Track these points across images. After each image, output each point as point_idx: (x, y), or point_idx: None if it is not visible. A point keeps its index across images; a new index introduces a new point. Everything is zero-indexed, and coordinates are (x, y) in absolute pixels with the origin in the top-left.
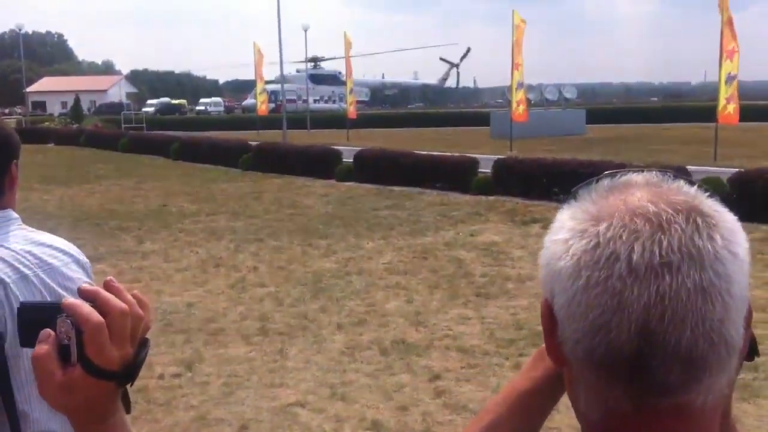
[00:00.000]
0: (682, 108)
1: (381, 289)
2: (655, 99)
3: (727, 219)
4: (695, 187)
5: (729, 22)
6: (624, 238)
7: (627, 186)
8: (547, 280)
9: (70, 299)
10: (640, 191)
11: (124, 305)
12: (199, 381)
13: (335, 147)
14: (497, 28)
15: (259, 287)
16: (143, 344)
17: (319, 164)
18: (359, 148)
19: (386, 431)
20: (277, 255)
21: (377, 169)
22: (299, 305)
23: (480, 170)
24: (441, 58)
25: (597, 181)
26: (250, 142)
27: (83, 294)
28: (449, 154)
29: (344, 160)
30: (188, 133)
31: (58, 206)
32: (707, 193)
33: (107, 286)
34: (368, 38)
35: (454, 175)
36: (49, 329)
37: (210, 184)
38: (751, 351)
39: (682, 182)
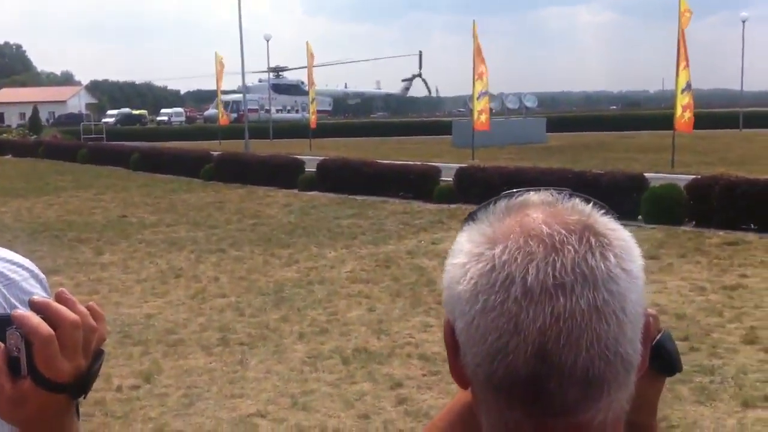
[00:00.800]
0: (641, 116)
1: (343, 297)
2: (615, 107)
3: (621, 236)
4: (590, 204)
5: (683, 35)
6: (519, 260)
7: (523, 207)
8: (448, 302)
9: (20, 310)
10: (535, 212)
11: (75, 317)
12: (158, 393)
13: (298, 156)
14: (459, 37)
15: (219, 297)
16: (98, 356)
17: (282, 174)
18: (322, 158)
19: None
20: (238, 265)
21: (340, 178)
22: (260, 315)
23: (442, 179)
24: (403, 80)
25: (495, 202)
26: (212, 152)
27: (34, 306)
28: (412, 163)
29: (307, 169)
30: (149, 144)
31: (15, 218)
32: (602, 211)
33: (59, 298)
34: (331, 48)
35: (416, 184)
36: (1, 343)
37: (171, 195)
38: (673, 365)
39: (577, 200)
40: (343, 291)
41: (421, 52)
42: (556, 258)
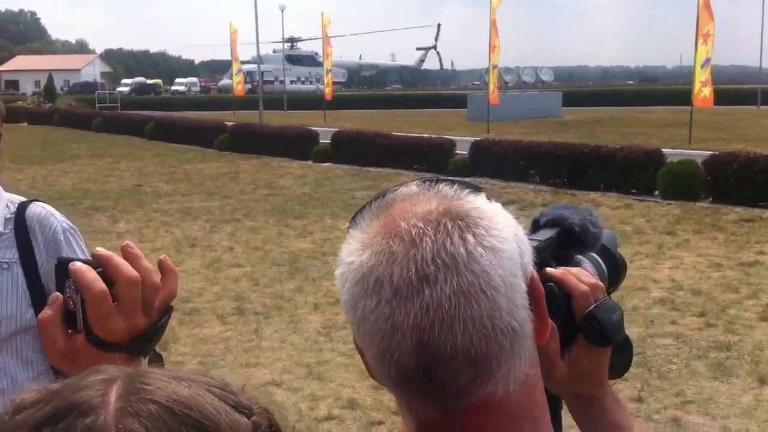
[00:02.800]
0: (658, 91)
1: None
2: (631, 82)
3: (483, 214)
4: (455, 187)
5: (706, 5)
6: (384, 262)
7: (387, 206)
8: (345, 312)
9: (78, 263)
10: (396, 209)
11: (134, 274)
12: (174, 360)
13: (312, 128)
14: (475, 9)
15: (234, 267)
16: (163, 314)
17: (296, 145)
18: (336, 130)
19: (362, 409)
20: (253, 235)
21: (354, 150)
22: (275, 285)
23: (457, 152)
24: (417, 48)
25: (370, 204)
26: (226, 123)
27: (96, 258)
28: (426, 135)
29: (321, 141)
30: (163, 113)
31: (31, 185)
32: (467, 190)
33: (124, 251)
34: (346, 19)
35: (431, 157)
36: (58, 293)
37: (185, 165)
38: (605, 336)
39: (441, 186)
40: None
41: (439, 24)
42: (416, 252)
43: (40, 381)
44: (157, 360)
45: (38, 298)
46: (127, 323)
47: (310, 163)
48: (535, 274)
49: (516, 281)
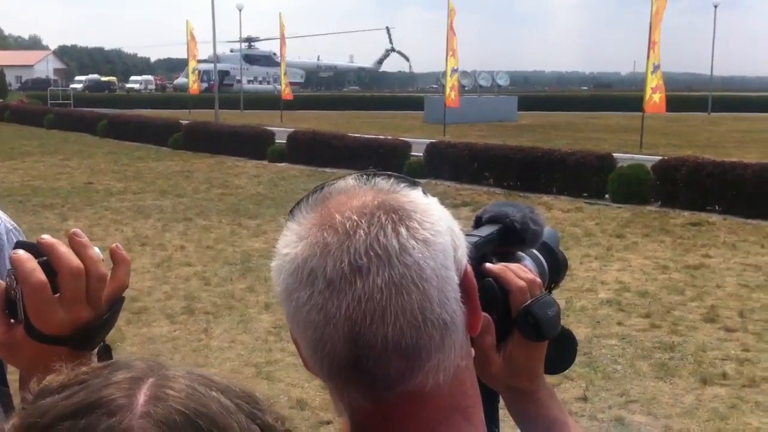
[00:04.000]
0: (612, 97)
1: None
2: (586, 88)
3: (418, 207)
4: (391, 180)
5: (657, 12)
6: (318, 254)
7: (325, 199)
8: (280, 304)
9: (19, 252)
10: (332, 202)
11: (77, 264)
12: None
13: (268, 128)
14: (433, 13)
15: (185, 266)
16: (112, 306)
17: (252, 145)
18: (292, 130)
19: (311, 409)
20: (205, 234)
21: (310, 150)
22: (226, 285)
23: (412, 154)
24: (378, 61)
25: (307, 198)
26: (181, 121)
27: (40, 246)
28: (382, 137)
29: (277, 141)
30: (117, 111)
31: None
32: (403, 184)
33: (70, 240)
34: (304, 20)
35: (387, 158)
36: (1, 281)
37: (138, 163)
38: (538, 331)
39: (378, 179)
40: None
41: (388, 27)
42: (349, 244)
43: None
44: (106, 353)
45: None
46: (68, 315)
47: (265, 163)
48: (469, 268)
49: (448, 274)
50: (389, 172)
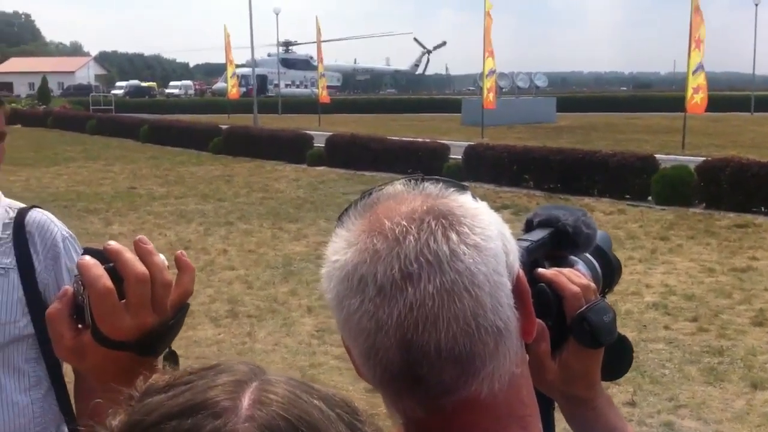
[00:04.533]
0: (651, 97)
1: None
2: (625, 88)
3: (468, 212)
4: (440, 185)
5: (697, 10)
6: (368, 261)
7: (373, 205)
8: (331, 311)
9: (86, 258)
10: (381, 208)
11: (143, 270)
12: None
13: (306, 131)
14: (469, 14)
15: (228, 270)
16: (177, 312)
17: (291, 149)
18: (330, 133)
19: None
20: (247, 238)
21: (348, 154)
22: (269, 288)
23: (451, 156)
24: (414, 39)
25: (356, 204)
26: (221, 126)
27: (106, 252)
28: (420, 140)
29: (315, 144)
30: (158, 116)
31: (25, 188)
32: (452, 189)
33: (136, 246)
34: (341, 23)
35: (425, 161)
36: (68, 286)
37: (179, 167)
38: (595, 337)
39: (427, 184)
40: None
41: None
42: (399, 251)
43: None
44: (173, 359)
45: (34, 306)
46: (134, 321)
47: (304, 166)
48: (521, 273)
49: (500, 279)
50: (437, 177)
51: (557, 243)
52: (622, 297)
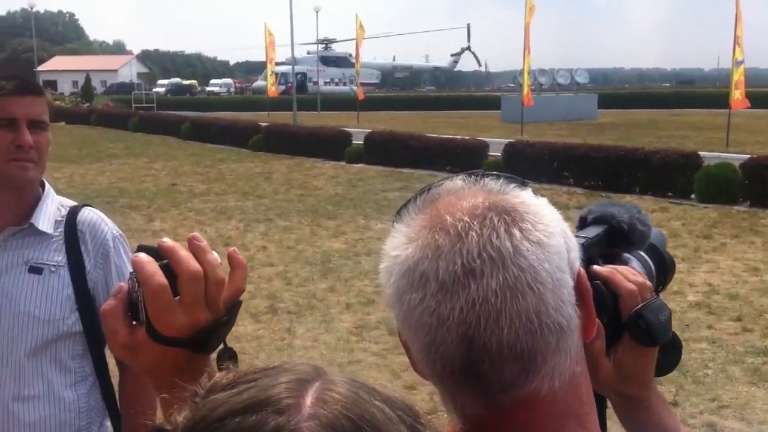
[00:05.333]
0: (695, 94)
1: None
2: (668, 85)
3: (530, 208)
4: (501, 181)
5: (738, 5)
6: (429, 256)
7: (433, 201)
8: (388, 305)
9: (141, 255)
10: (442, 203)
11: (196, 267)
12: None
13: (345, 129)
14: (509, 10)
15: (267, 266)
16: (230, 309)
17: (329, 146)
18: (369, 131)
19: None
20: (286, 235)
21: (387, 151)
22: (308, 285)
23: (490, 153)
24: (452, 54)
25: (415, 199)
26: (261, 123)
27: (160, 250)
28: (459, 137)
29: (354, 142)
30: (199, 114)
31: (68, 184)
32: (513, 185)
33: (190, 244)
34: (380, 20)
35: (464, 158)
36: (123, 283)
37: (220, 165)
38: (651, 336)
39: (487, 180)
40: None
41: (469, 24)
42: (461, 246)
43: (77, 387)
44: (230, 355)
45: (84, 304)
46: (188, 318)
47: (343, 163)
48: (582, 271)
49: (563, 277)
50: (498, 173)
51: (612, 240)
52: (664, 296)
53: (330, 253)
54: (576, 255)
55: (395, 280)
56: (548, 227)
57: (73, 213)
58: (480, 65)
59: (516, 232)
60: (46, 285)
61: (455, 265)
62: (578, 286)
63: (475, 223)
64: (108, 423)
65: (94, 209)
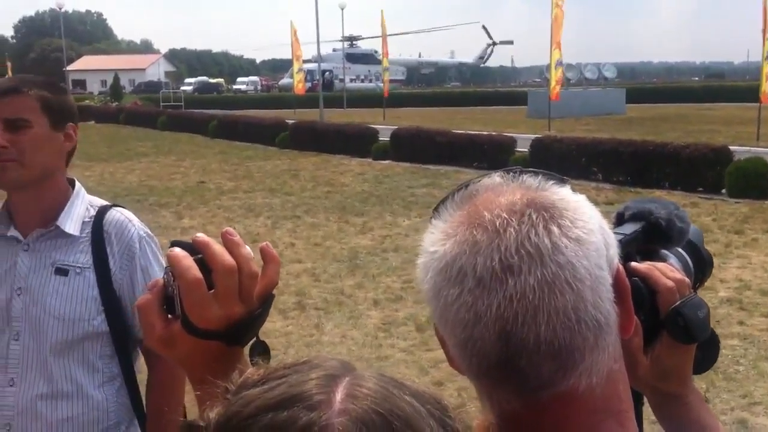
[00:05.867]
0: (724, 88)
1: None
2: (697, 79)
3: (569, 205)
4: (539, 177)
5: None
6: (467, 252)
7: (470, 197)
8: (425, 301)
9: (176, 250)
10: (480, 199)
11: (230, 261)
12: None
13: (372, 126)
14: (535, 5)
15: (296, 263)
16: (263, 303)
17: (356, 142)
18: (395, 127)
19: None
20: (313, 232)
21: (414, 147)
22: (335, 281)
23: (517, 149)
24: (483, 26)
25: (452, 195)
26: (287, 121)
27: (195, 244)
28: (486, 133)
29: (380, 138)
30: (226, 112)
31: (99, 182)
32: (551, 181)
33: (223, 238)
34: (405, 16)
35: (491, 154)
36: (158, 278)
37: (247, 162)
38: (689, 333)
39: (525, 176)
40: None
41: (484, 26)
42: (499, 243)
43: (105, 387)
44: (262, 349)
45: (110, 305)
46: (223, 311)
47: (369, 160)
48: (621, 268)
49: (602, 273)
50: (536, 169)
51: (649, 237)
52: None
53: (357, 250)
54: (614, 252)
55: (432, 275)
56: (587, 224)
57: (101, 214)
58: (512, 43)
59: (554, 228)
60: (72, 286)
61: (493, 261)
62: (617, 283)
63: (514, 219)
64: (136, 423)
65: (123, 209)
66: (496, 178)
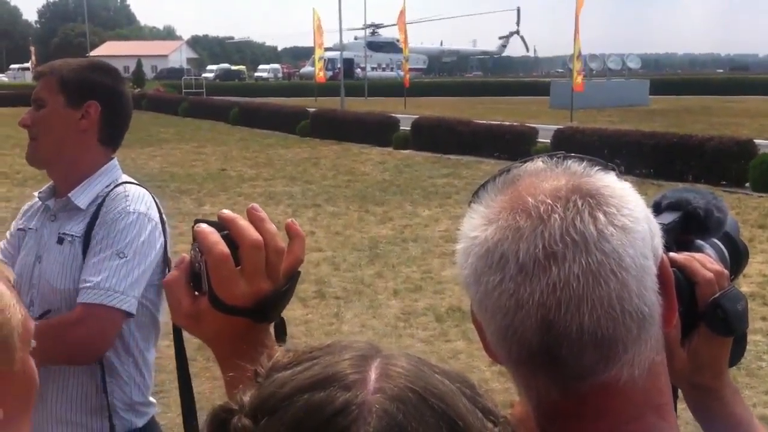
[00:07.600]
0: (749, 80)
1: (437, 256)
2: (721, 71)
3: (614, 192)
4: (584, 163)
5: None
6: (510, 238)
7: (513, 182)
8: (463, 287)
9: (203, 225)
10: (523, 184)
11: (256, 237)
12: None
13: (392, 115)
14: None
15: (316, 252)
16: (289, 279)
17: (377, 132)
18: (416, 116)
19: None
20: (334, 220)
21: (434, 137)
22: (355, 270)
23: (539, 140)
24: (500, 37)
25: (493, 180)
26: (308, 109)
27: (221, 220)
28: (508, 123)
29: (401, 127)
30: (247, 99)
31: (121, 168)
32: (596, 168)
33: (249, 214)
34: (427, 4)
35: (512, 145)
36: (185, 254)
37: (268, 150)
38: (728, 325)
39: (570, 162)
40: (437, 249)
41: (519, 8)
42: (543, 229)
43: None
44: (281, 326)
45: None
46: (250, 287)
47: (390, 149)
48: (665, 258)
49: (647, 263)
50: (581, 155)
51: (687, 227)
52: None
53: (377, 239)
54: (659, 241)
55: (473, 261)
56: (633, 212)
57: (112, 189)
58: (528, 50)
59: (600, 216)
60: (63, 255)
61: (536, 247)
62: (661, 273)
63: (558, 205)
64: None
65: (133, 186)
66: (539, 163)
